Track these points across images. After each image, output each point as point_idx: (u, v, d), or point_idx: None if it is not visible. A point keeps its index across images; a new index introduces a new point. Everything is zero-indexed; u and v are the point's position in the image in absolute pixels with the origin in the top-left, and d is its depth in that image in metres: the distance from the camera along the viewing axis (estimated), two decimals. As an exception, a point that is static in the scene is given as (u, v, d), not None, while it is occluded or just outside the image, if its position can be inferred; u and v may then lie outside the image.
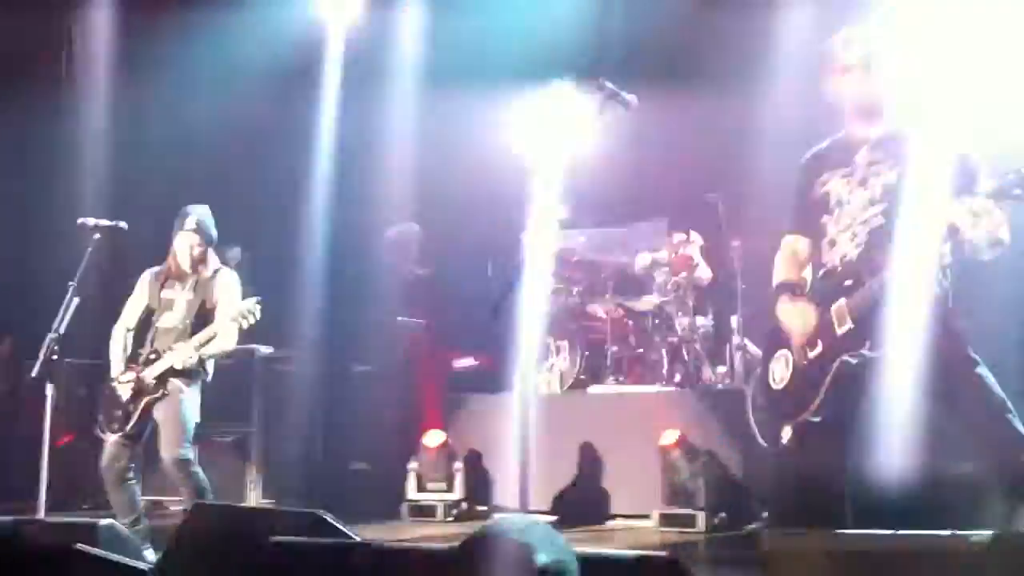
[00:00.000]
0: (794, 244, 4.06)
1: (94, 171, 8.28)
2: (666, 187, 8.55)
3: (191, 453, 5.59)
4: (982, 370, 3.61)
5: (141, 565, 3.63)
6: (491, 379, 7.84)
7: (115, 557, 3.59)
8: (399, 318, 8.55)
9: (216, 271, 5.78)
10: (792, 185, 4.10)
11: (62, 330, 5.66)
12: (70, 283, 5.71)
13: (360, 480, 7.91)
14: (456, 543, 2.57)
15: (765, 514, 6.31)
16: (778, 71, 7.50)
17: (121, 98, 8.52)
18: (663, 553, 2.88)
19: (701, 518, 6.42)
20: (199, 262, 5.75)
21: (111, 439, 5.64)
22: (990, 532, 3.38)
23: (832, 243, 3.88)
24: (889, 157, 3.80)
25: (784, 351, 3.91)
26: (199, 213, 5.80)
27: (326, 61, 9.01)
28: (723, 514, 6.51)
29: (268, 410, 7.97)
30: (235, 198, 8.78)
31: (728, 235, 7.87)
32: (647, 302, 8.04)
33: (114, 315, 5.95)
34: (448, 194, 8.74)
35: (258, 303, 5.53)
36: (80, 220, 5.80)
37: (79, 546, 3.46)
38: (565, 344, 7.93)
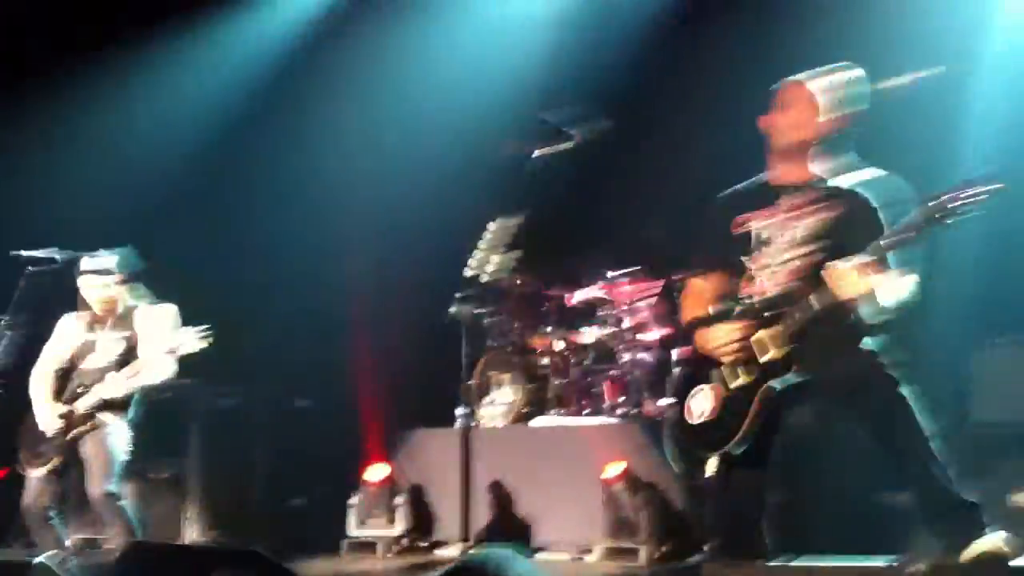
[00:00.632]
0: (700, 285, 4.19)
1: (30, 200, 8.14)
2: (608, 221, 8.59)
3: (118, 488, 5.50)
4: (906, 396, 3.67)
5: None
6: (434, 413, 7.80)
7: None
8: (340, 351, 8.49)
9: (132, 308, 5.71)
10: (705, 224, 4.19)
11: (-2, 366, 5.57)
12: (2, 317, 5.62)
13: (300, 516, 7.80)
14: None
15: (707, 546, 6.32)
16: (726, 107, 7.58)
17: (64, 123, 8.39)
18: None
19: (643, 552, 6.41)
20: (111, 302, 5.68)
21: (34, 475, 5.54)
22: (927, 562, 3.43)
23: (751, 279, 3.96)
24: (811, 202, 3.92)
25: (703, 387, 3.96)
26: (101, 256, 5.74)
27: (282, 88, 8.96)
28: (665, 548, 6.51)
29: (206, 445, 7.84)
30: (183, 228, 8.72)
31: (670, 269, 7.90)
32: (589, 335, 8.05)
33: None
34: (395, 225, 8.71)
35: (200, 332, 5.47)
36: (12, 252, 5.71)
37: (11, 585, 3.38)
38: (507, 377, 7.91)
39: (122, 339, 5.58)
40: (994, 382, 6.12)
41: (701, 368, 3.97)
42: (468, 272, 4.16)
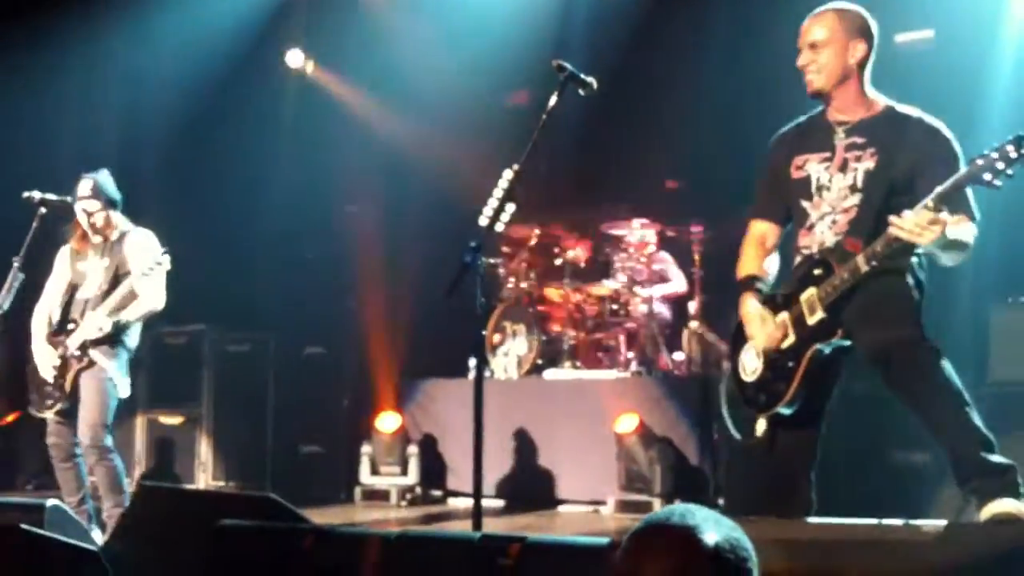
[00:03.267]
0: (763, 230, 4.00)
1: (41, 144, 8.09)
2: (627, 172, 8.51)
3: (109, 439, 5.40)
4: (945, 363, 3.60)
5: (88, 546, 3.55)
6: (447, 363, 7.79)
7: (61, 538, 3.51)
8: (353, 299, 8.46)
9: (124, 233, 5.60)
10: (764, 163, 4.02)
11: (6, 306, 5.53)
12: (14, 259, 5.58)
13: (312, 463, 7.83)
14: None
15: (721, 501, 6.32)
16: (742, 55, 7.46)
17: (74, 70, 8.32)
18: (604, 540, 2.88)
19: (657, 504, 6.41)
20: (104, 227, 5.58)
21: (49, 417, 5.49)
22: (943, 522, 3.39)
23: (811, 228, 3.83)
24: (870, 143, 3.74)
25: (752, 343, 3.88)
26: (94, 177, 5.62)
27: (285, 33, 8.86)
28: (678, 501, 6.51)
29: (219, 391, 7.86)
30: (191, 175, 8.67)
31: (688, 221, 7.84)
32: (605, 287, 8.01)
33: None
34: (406, 174, 8.65)
35: (165, 253, 5.36)
36: (25, 194, 5.66)
37: (24, 527, 3.37)
38: (522, 329, 7.87)
39: (114, 266, 5.45)
40: (1010, 342, 6.06)
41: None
42: (482, 221, 4.08)
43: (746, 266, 3.98)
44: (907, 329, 3.60)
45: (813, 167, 3.83)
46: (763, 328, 3.80)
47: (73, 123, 8.41)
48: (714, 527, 1.79)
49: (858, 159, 3.74)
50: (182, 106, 8.46)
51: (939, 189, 3.39)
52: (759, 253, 3.98)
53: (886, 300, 3.62)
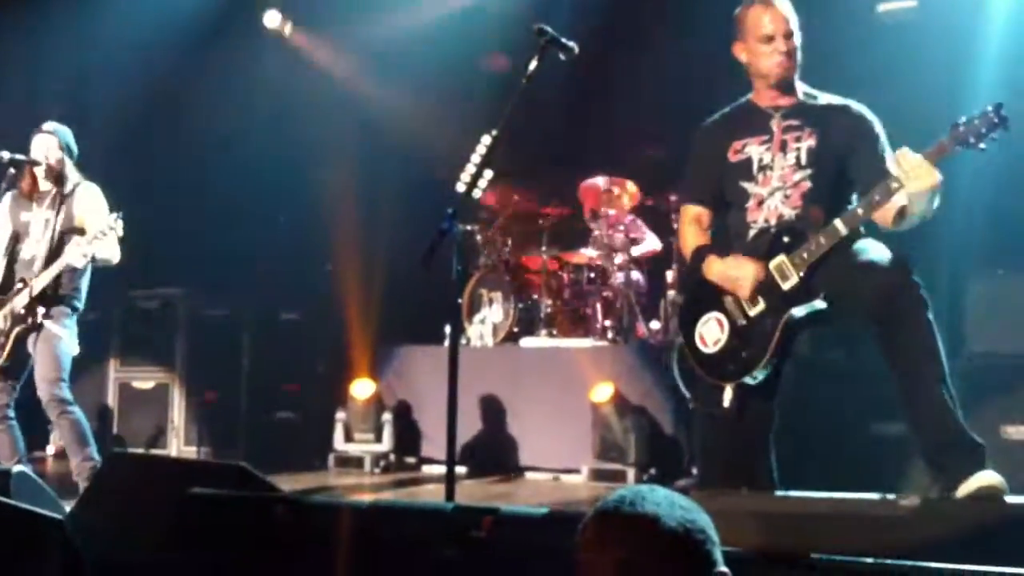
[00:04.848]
0: (697, 212, 4.10)
1: (10, 104, 7.96)
2: (606, 139, 8.45)
3: (68, 392, 5.36)
4: (931, 314, 3.60)
5: (52, 514, 3.50)
6: (422, 330, 7.74)
7: (24, 506, 3.47)
8: (330, 264, 8.40)
9: (76, 185, 5.50)
10: (696, 151, 4.13)
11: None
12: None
13: (286, 429, 7.78)
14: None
15: (695, 471, 6.32)
16: (726, 24, 7.39)
17: (44, 28, 8.16)
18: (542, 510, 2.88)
19: (631, 474, 6.42)
20: (58, 172, 5.47)
21: None
22: (920, 497, 3.37)
23: (760, 203, 3.90)
24: (805, 124, 3.89)
25: (714, 313, 3.87)
26: (56, 124, 5.55)
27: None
28: (653, 470, 6.51)
29: (192, 356, 7.78)
30: (163, 138, 8.55)
31: (666, 189, 7.80)
32: (582, 255, 7.97)
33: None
34: (382, 138, 8.56)
35: (119, 219, 5.28)
36: (-6, 154, 5.55)
37: (-10, 495, 3.32)
38: (498, 296, 7.83)
39: (56, 221, 5.34)
40: (988, 314, 6.06)
41: (710, 294, 3.88)
42: (460, 187, 4.04)
43: (694, 241, 4.05)
44: (901, 279, 3.60)
45: (753, 149, 3.95)
46: (747, 270, 3.78)
47: (22, 83, 8.25)
48: (668, 511, 1.72)
49: (798, 139, 3.89)
50: (154, 66, 8.31)
51: (928, 149, 3.48)
52: (700, 230, 4.08)
53: (873, 253, 3.67)
